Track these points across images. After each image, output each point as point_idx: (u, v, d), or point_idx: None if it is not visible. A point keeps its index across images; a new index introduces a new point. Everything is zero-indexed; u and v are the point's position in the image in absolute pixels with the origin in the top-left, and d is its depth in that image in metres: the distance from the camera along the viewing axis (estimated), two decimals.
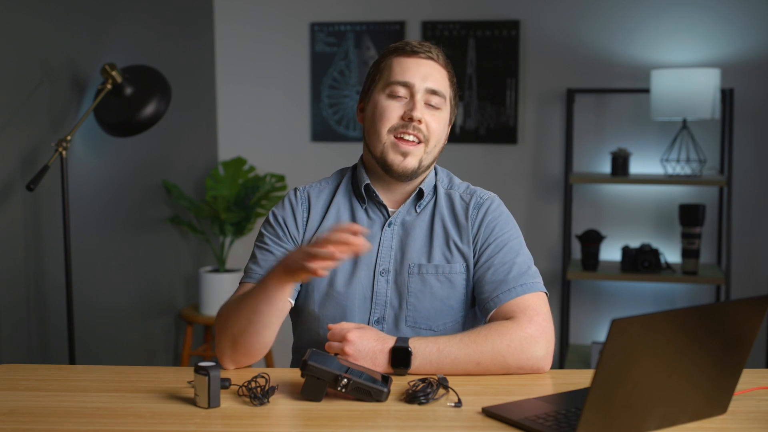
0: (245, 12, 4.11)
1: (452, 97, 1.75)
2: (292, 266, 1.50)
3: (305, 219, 1.76)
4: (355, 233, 1.45)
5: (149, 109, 2.87)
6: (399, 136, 1.68)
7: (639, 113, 3.85)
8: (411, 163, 1.69)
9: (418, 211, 1.76)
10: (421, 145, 1.69)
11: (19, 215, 2.70)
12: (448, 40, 3.96)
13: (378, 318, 1.71)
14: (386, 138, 1.69)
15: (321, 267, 1.44)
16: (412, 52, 1.71)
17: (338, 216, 1.76)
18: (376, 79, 1.74)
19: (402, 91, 1.69)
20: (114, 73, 2.78)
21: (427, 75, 1.69)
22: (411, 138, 1.68)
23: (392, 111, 1.69)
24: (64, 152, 2.61)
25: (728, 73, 3.72)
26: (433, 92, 1.69)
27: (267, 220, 1.78)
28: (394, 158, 1.69)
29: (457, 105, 1.79)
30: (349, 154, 3.74)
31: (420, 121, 1.67)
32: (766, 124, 3.80)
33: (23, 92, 2.71)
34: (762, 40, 3.75)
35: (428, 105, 1.70)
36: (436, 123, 1.70)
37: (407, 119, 1.67)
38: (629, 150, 3.77)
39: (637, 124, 3.87)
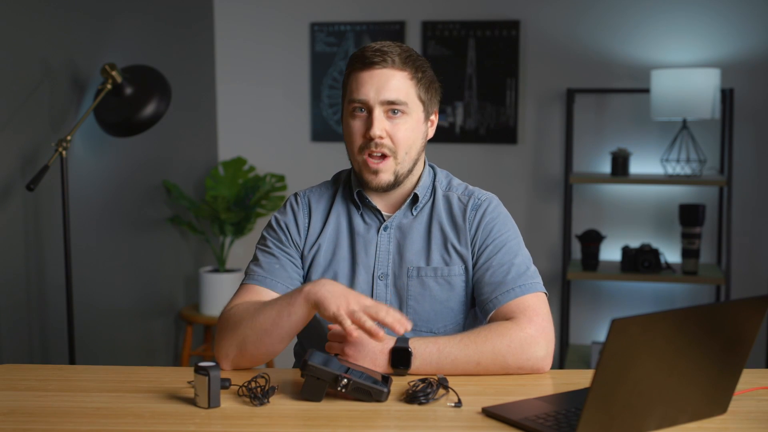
0: (245, 12, 4.11)
1: (420, 93, 1.70)
2: (325, 312, 1.50)
3: (307, 224, 1.77)
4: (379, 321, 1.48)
5: (149, 109, 2.87)
6: (368, 155, 1.68)
7: (639, 113, 3.85)
8: (384, 178, 1.69)
9: (414, 214, 1.76)
10: (390, 159, 1.68)
11: (19, 215, 2.70)
12: (448, 40, 3.97)
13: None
14: (358, 157, 1.70)
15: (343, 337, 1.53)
16: (365, 65, 1.66)
17: (338, 222, 1.77)
18: (343, 94, 1.73)
19: (361, 108, 1.67)
20: (114, 73, 2.78)
21: (380, 86, 1.65)
22: (377, 155, 1.67)
23: (356, 131, 1.68)
24: (64, 152, 2.61)
25: (728, 73, 3.72)
26: (390, 102, 1.66)
27: (270, 225, 1.79)
28: (368, 176, 1.69)
29: (436, 96, 1.75)
30: None
31: (381, 137, 1.66)
32: (766, 124, 3.80)
33: (23, 92, 2.71)
34: (762, 40, 3.75)
35: (390, 114, 1.67)
36: (402, 131, 1.68)
37: (368, 138, 1.67)
38: (629, 150, 3.77)
39: (637, 124, 3.87)
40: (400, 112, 1.67)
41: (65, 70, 2.91)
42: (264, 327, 1.57)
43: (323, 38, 4.07)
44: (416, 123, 1.71)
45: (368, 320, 1.46)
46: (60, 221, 2.78)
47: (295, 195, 1.81)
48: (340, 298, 1.50)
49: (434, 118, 1.77)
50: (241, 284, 1.73)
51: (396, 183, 1.71)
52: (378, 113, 1.66)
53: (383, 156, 1.68)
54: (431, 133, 1.77)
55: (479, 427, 1.33)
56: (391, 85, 1.66)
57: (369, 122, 1.66)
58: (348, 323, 1.46)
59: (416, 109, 1.70)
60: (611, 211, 3.94)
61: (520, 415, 1.33)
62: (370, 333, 1.47)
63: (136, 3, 3.39)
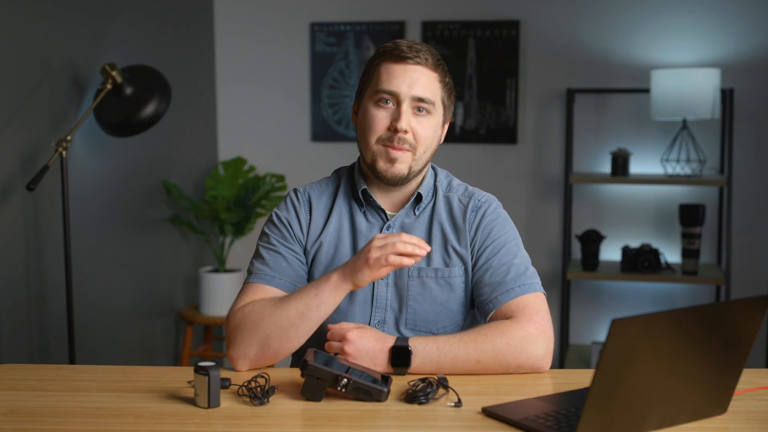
0: (245, 12, 4.11)
1: (444, 97, 1.73)
2: (362, 275, 1.55)
3: (308, 220, 1.76)
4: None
5: (149, 109, 2.87)
6: (386, 145, 1.68)
7: (639, 113, 3.85)
8: (400, 168, 1.68)
9: (417, 214, 1.76)
10: (409, 152, 1.69)
11: (19, 215, 2.70)
12: (448, 40, 3.96)
13: (379, 321, 1.71)
14: (375, 147, 1.69)
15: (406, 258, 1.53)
16: (400, 58, 1.68)
17: (340, 220, 1.76)
18: (366, 83, 1.73)
19: (389, 100, 1.68)
20: (114, 73, 2.78)
21: (413, 81, 1.67)
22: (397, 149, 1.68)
23: (379, 121, 1.68)
24: (64, 152, 2.61)
25: (728, 73, 3.72)
26: (420, 99, 1.67)
27: (271, 221, 1.77)
28: (382, 165, 1.69)
29: (453, 103, 1.78)
30: (349, 154, 3.74)
31: (406, 132, 1.67)
32: (766, 124, 3.80)
33: (23, 92, 2.71)
34: (762, 40, 3.75)
35: (416, 111, 1.68)
36: (424, 129, 1.68)
37: (393, 130, 1.66)
38: (629, 150, 3.77)
39: (637, 124, 3.87)
40: (426, 111, 1.69)
41: (65, 70, 2.91)
42: (290, 321, 1.57)
43: (323, 38, 4.07)
44: (437, 125, 1.72)
45: (395, 257, 1.52)
46: (60, 221, 2.78)
47: (295, 191, 1.80)
48: (362, 258, 1.55)
49: (447, 125, 1.78)
50: (247, 282, 1.70)
51: (407, 178, 1.71)
52: (406, 107, 1.67)
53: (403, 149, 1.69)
54: (442, 138, 1.78)
55: (479, 427, 1.33)
56: (423, 82, 1.68)
57: (395, 115, 1.67)
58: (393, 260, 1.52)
59: (439, 111, 1.72)
60: (611, 211, 3.94)
61: (520, 415, 1.33)
62: (411, 255, 1.53)
63: (136, 3, 3.39)
